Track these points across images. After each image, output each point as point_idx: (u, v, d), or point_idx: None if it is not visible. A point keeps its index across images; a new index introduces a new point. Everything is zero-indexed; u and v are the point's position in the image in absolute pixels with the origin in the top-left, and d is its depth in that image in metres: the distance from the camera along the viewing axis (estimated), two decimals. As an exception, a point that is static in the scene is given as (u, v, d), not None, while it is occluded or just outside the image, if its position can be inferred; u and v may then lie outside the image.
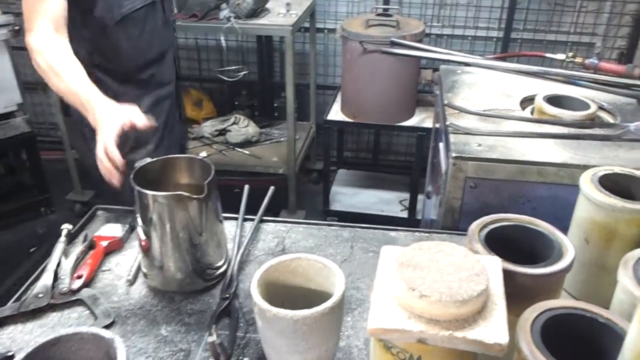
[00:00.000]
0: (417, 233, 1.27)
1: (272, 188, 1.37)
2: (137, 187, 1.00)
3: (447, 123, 1.37)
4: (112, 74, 1.45)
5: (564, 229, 1.11)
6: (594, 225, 1.02)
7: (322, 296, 0.84)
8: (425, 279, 0.70)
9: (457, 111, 1.46)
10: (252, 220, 1.28)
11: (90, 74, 1.26)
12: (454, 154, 1.27)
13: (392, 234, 1.27)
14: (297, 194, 3.04)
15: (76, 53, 1.29)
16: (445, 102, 1.47)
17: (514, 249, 0.90)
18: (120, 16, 1.43)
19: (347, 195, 3.20)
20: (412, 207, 2.96)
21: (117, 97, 1.23)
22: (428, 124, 2.67)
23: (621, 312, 0.81)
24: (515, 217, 0.94)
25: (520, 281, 0.81)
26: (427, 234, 1.27)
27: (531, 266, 0.82)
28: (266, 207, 1.32)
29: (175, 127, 1.71)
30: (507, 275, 0.79)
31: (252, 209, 1.30)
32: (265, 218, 1.30)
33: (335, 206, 3.09)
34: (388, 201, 3.15)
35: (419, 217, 2.81)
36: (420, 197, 2.75)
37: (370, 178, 3.40)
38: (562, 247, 0.87)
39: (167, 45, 1.62)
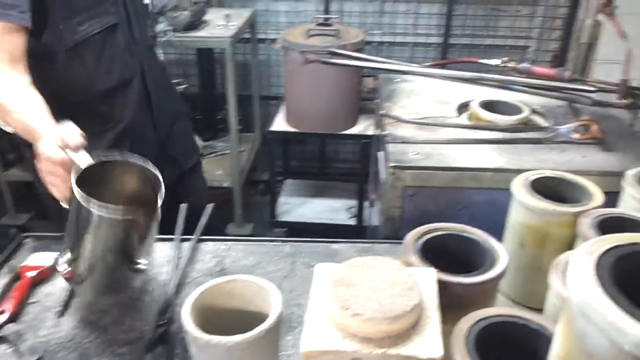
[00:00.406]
0: (359, 244, 1.26)
1: (210, 206, 1.34)
2: (78, 192, 0.87)
3: (385, 133, 1.38)
4: (62, 109, 1.13)
5: (501, 232, 1.13)
6: (527, 230, 1.03)
7: (262, 318, 0.81)
8: (359, 297, 0.69)
9: (394, 120, 1.46)
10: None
11: None
12: (391, 164, 1.27)
13: (335, 246, 1.26)
14: (245, 207, 3.00)
15: None
16: (383, 111, 1.47)
17: (451, 258, 0.90)
18: (73, 42, 1.28)
19: (295, 206, 3.19)
20: (359, 214, 2.97)
21: None
22: (372, 131, 2.68)
23: (554, 316, 0.82)
24: (449, 226, 0.94)
25: (454, 291, 0.81)
26: (369, 244, 1.27)
27: (464, 275, 0.82)
28: (205, 226, 1.29)
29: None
30: (441, 286, 0.79)
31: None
32: (203, 237, 1.27)
33: (283, 217, 3.07)
34: (336, 209, 3.15)
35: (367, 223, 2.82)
36: (367, 203, 2.77)
37: (318, 187, 3.40)
38: (495, 255, 0.87)
39: (133, 71, 1.44)
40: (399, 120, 1.44)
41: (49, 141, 0.98)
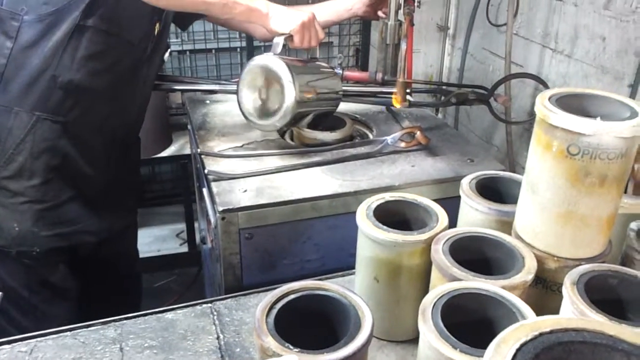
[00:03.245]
0: (198, 307, 1.09)
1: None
2: None
3: (206, 171, 1.21)
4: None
5: (349, 256, 1.04)
6: (380, 263, 0.95)
7: None
8: None
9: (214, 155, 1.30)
10: (-23, 351, 0.96)
11: None
12: (220, 208, 1.11)
13: (169, 315, 1.07)
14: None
15: None
16: (199, 149, 1.30)
17: (311, 321, 0.79)
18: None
19: (116, 242, 2.85)
20: (191, 239, 2.75)
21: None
22: (188, 149, 2.48)
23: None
24: (300, 285, 0.82)
25: (325, 371, 0.69)
26: (209, 305, 1.10)
27: (330, 349, 0.71)
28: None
29: None
30: (309, 369, 0.66)
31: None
32: (-5, 343, 0.99)
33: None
34: (164, 237, 2.89)
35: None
36: (197, 225, 2.56)
37: (139, 215, 3.08)
38: (359, 312, 0.77)
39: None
40: (219, 156, 1.28)
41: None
